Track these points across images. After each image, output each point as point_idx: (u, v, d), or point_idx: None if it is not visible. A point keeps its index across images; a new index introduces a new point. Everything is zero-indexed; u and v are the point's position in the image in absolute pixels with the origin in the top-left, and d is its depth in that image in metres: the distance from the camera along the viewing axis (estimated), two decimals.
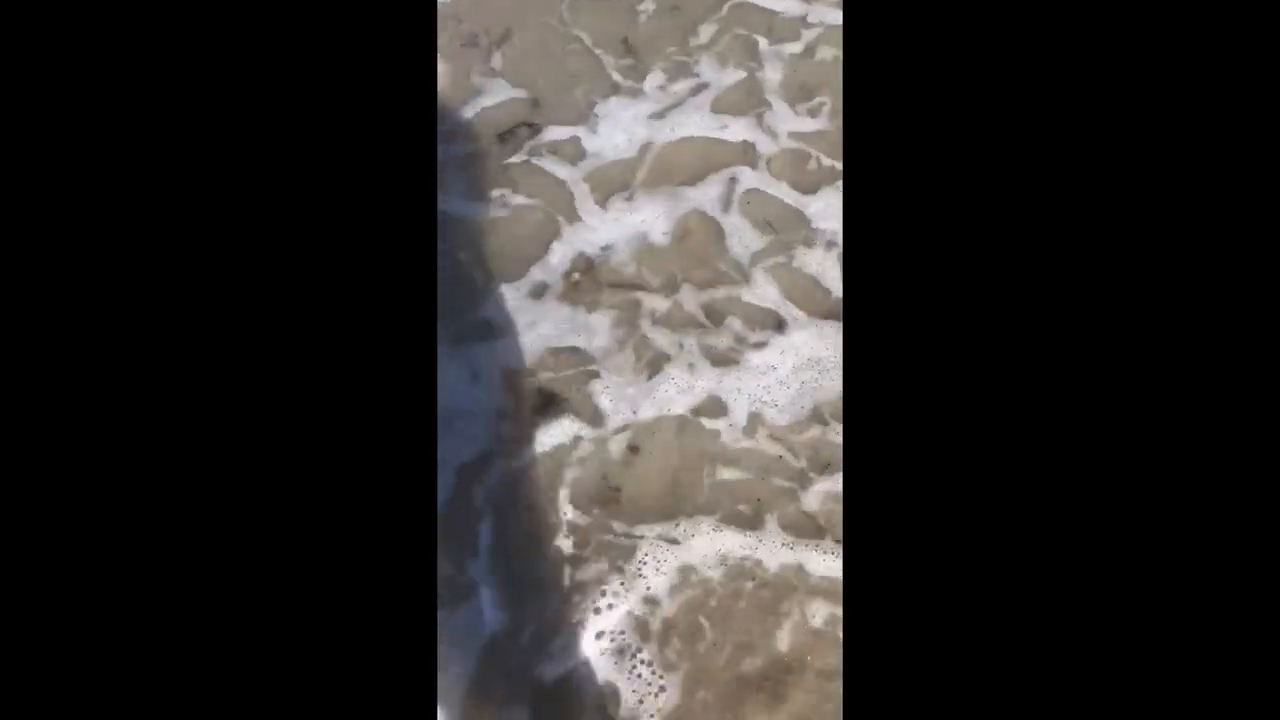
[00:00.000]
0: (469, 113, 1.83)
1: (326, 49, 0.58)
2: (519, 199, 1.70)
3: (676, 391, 1.46)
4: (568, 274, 1.59)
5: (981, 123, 0.58)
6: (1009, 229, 0.57)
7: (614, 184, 1.72)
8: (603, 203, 1.69)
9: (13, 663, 0.50)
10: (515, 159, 1.75)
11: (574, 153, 1.76)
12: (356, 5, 0.59)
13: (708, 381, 1.47)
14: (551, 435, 1.41)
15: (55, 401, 0.53)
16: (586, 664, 1.21)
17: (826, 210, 1.67)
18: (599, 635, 1.23)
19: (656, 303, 1.56)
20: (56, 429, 0.52)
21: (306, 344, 0.56)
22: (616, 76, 1.89)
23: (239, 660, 0.53)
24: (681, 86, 1.87)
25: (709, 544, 1.31)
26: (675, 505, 1.34)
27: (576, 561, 1.30)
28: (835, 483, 1.36)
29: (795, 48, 1.93)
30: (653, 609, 1.25)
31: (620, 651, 1.22)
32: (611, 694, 1.19)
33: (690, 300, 1.56)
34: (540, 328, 1.53)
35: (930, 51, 0.59)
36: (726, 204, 1.69)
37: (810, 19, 1.97)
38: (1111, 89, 0.56)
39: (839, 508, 1.34)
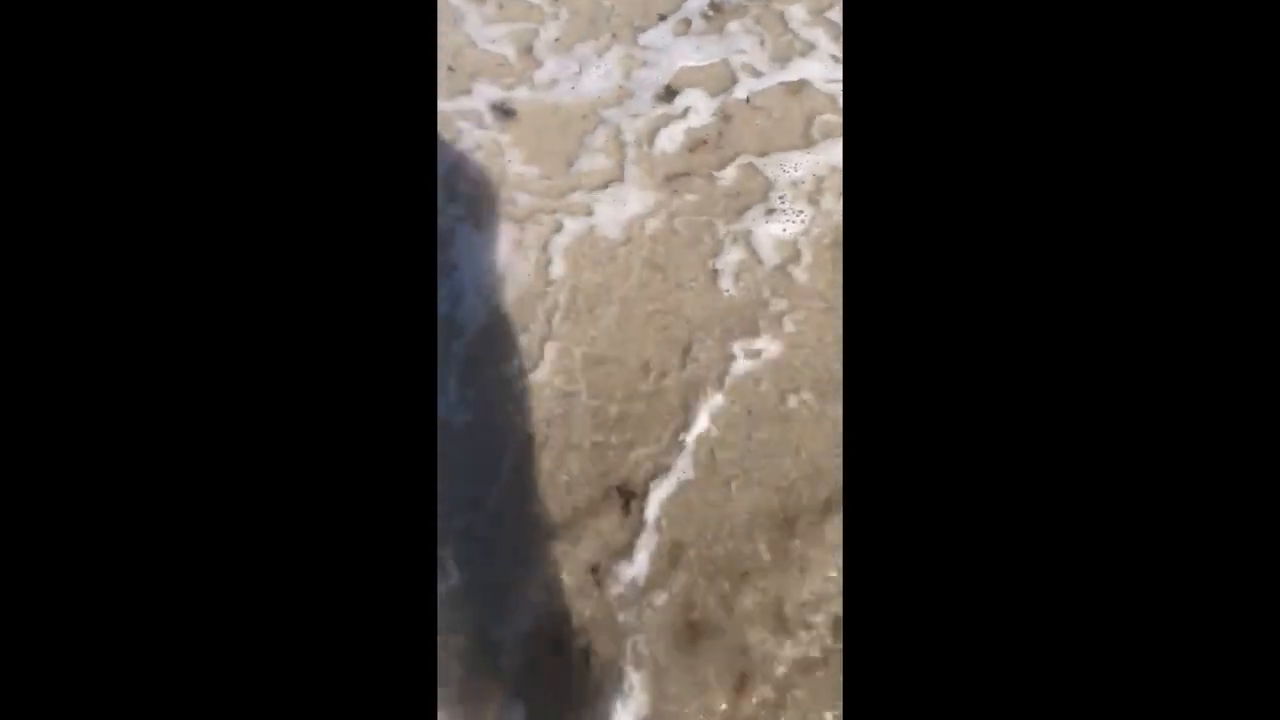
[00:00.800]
0: None
1: (327, 49, 0.59)
2: None
3: None
4: None
5: (982, 123, 0.58)
6: (1009, 229, 0.57)
7: None
8: None
9: (13, 663, 0.50)
10: None
11: None
12: (357, 6, 0.59)
13: None
14: None
15: (55, 402, 0.53)
16: None
17: None
18: None
19: None
20: (56, 429, 0.52)
21: (307, 344, 0.56)
22: None
23: (239, 660, 0.53)
24: None
25: None
26: None
27: None
28: None
29: None
30: None
31: None
32: None
33: None
34: None
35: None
36: None
37: None
38: (1112, 89, 0.56)
39: None
